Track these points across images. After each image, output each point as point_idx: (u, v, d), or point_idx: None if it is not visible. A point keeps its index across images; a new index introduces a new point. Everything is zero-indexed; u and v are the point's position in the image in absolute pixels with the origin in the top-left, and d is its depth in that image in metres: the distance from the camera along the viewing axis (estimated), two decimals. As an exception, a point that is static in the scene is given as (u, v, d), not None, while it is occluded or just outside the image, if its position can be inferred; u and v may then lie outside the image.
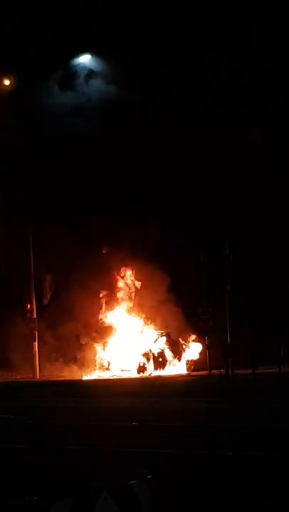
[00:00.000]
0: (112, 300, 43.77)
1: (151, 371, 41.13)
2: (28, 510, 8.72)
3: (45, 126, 42.95)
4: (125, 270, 43.55)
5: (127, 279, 43.57)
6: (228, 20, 41.91)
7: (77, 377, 41.34)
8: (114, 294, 43.78)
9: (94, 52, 43.78)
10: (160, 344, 42.13)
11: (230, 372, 37.18)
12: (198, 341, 41.29)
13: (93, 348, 43.41)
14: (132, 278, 43.43)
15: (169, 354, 41.78)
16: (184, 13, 42.72)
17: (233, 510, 11.49)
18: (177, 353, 41.76)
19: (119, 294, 43.74)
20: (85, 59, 44.22)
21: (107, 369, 42.47)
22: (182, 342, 41.78)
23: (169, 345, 41.95)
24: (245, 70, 41.55)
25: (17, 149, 42.15)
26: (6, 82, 43.62)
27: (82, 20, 43.07)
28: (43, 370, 43.45)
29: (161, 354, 41.71)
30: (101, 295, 43.71)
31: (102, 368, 42.65)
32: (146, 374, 40.99)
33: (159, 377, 39.88)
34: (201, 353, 41.06)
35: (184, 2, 43.01)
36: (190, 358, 41.59)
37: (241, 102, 41.31)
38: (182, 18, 42.78)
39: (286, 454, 15.56)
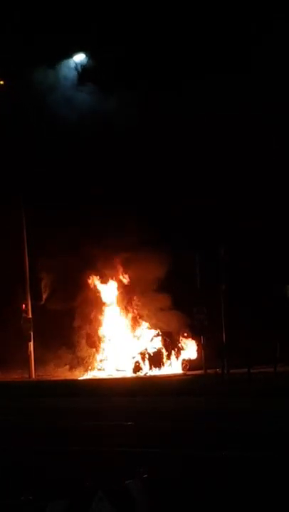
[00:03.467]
0: (108, 300, 43.73)
1: (146, 371, 41.10)
2: (24, 510, 8.69)
3: (41, 124, 42.90)
4: (122, 270, 43.50)
5: (124, 278, 43.52)
6: (229, 19, 41.95)
7: (72, 377, 41.31)
8: (111, 293, 43.74)
9: (91, 51, 43.73)
10: (155, 344, 42.12)
11: (225, 371, 37.16)
12: (194, 341, 41.29)
13: (89, 347, 43.37)
14: (128, 278, 43.39)
15: (164, 354, 41.75)
16: (184, 12, 42.78)
17: (230, 510, 11.46)
18: (173, 352, 41.74)
19: (116, 294, 43.70)
20: (79, 57, 44.18)
21: (103, 369, 42.43)
22: (178, 342, 41.77)
23: (164, 344, 41.93)
24: (244, 70, 41.57)
25: (10, 146, 42.15)
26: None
27: (81, 20, 43.08)
28: (38, 370, 43.40)
29: (157, 354, 41.69)
30: (97, 295, 43.67)
31: (97, 367, 42.63)
32: (141, 374, 40.96)
33: (154, 376, 39.86)
34: (196, 353, 41.05)
35: (184, 2, 43.07)
36: (185, 358, 41.57)
37: (240, 102, 41.25)
38: (182, 15, 42.85)
39: (283, 454, 15.54)
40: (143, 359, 41.44)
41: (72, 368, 43.60)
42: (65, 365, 44.09)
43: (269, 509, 11.32)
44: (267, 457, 15.21)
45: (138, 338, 42.76)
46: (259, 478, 13.24)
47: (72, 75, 44.15)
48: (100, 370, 42.42)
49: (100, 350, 43.19)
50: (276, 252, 40.51)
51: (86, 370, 42.57)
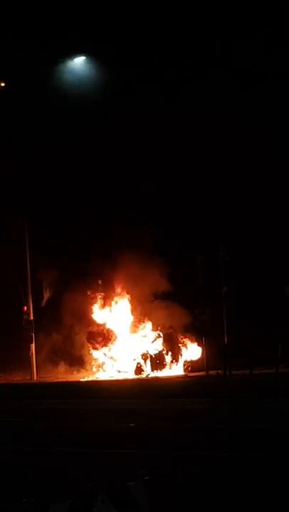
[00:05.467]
0: (109, 301, 43.73)
1: (148, 372, 41.10)
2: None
3: (40, 126, 43.00)
4: (123, 271, 43.48)
5: (125, 279, 43.52)
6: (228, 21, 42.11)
7: (74, 379, 41.32)
8: (112, 295, 43.74)
9: (91, 52, 43.78)
10: (157, 345, 42.11)
11: (227, 372, 37.19)
12: (196, 342, 41.28)
13: (90, 349, 43.37)
14: (130, 279, 43.38)
15: (166, 355, 41.74)
16: (183, 12, 42.94)
17: (230, 510, 11.49)
18: (175, 354, 41.73)
19: (117, 295, 43.70)
20: (79, 60, 44.16)
21: (104, 370, 42.42)
22: (180, 343, 41.76)
23: (166, 346, 41.91)
24: (245, 70, 41.70)
25: (12, 147, 42.25)
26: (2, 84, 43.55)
27: (80, 20, 43.19)
28: (40, 371, 43.42)
29: (159, 355, 41.68)
30: (99, 296, 43.66)
31: (99, 369, 42.63)
32: (143, 375, 40.95)
33: (156, 378, 39.86)
34: (198, 354, 41.05)
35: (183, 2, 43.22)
36: (187, 359, 41.55)
37: (240, 102, 41.33)
38: (182, 16, 42.99)
39: (284, 454, 15.56)
40: (145, 361, 41.44)
41: (73, 369, 43.62)
42: (67, 366, 44.10)
43: (269, 509, 11.35)
44: (267, 457, 15.24)
45: (140, 340, 42.74)
46: (259, 478, 13.26)
47: (73, 76, 44.18)
48: (101, 371, 42.40)
49: (102, 351, 43.16)
50: (277, 253, 40.53)
51: (88, 372, 42.56)
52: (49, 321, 43.77)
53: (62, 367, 44.28)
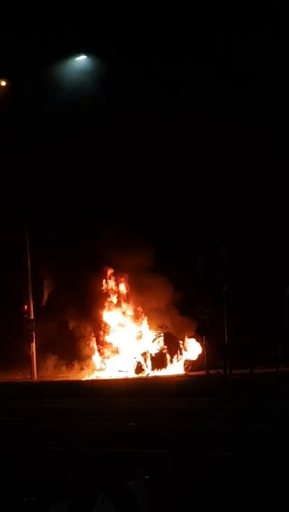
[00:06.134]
0: (109, 300, 43.76)
1: (148, 371, 41.14)
2: (27, 512, 8.74)
3: (40, 126, 43.02)
4: (123, 270, 43.51)
5: (125, 279, 43.56)
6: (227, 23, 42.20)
7: (74, 378, 41.35)
8: (112, 294, 43.77)
9: (91, 52, 43.79)
10: (158, 344, 42.15)
11: (227, 372, 37.24)
12: (196, 341, 41.33)
13: (91, 348, 43.41)
14: (130, 279, 43.42)
15: (166, 354, 41.78)
16: (183, 12, 42.98)
17: (230, 510, 11.52)
18: (175, 353, 41.78)
19: (117, 295, 43.73)
20: (81, 59, 44.14)
21: (105, 370, 42.47)
22: (180, 342, 41.80)
23: (166, 345, 41.96)
24: (247, 70, 41.72)
25: (12, 147, 42.29)
26: (2, 83, 43.55)
27: (80, 20, 43.21)
28: (40, 371, 43.46)
29: (159, 354, 41.72)
30: (98, 296, 43.68)
31: (99, 368, 42.67)
32: (143, 374, 40.99)
33: (156, 377, 39.90)
34: (198, 353, 41.09)
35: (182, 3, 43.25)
36: (188, 358, 41.61)
37: (240, 103, 41.36)
38: (182, 17, 43.03)
39: (284, 454, 15.59)
40: (145, 360, 41.47)
41: (74, 368, 43.64)
42: (67, 365, 44.13)
43: (269, 509, 11.38)
44: (267, 457, 15.26)
45: (140, 339, 42.78)
46: (259, 478, 13.29)
47: (73, 76, 44.17)
48: (102, 370, 42.44)
49: (102, 351, 43.20)
50: (277, 253, 40.57)
51: (88, 371, 42.59)
52: (49, 320, 43.79)
53: (62, 366, 44.30)
